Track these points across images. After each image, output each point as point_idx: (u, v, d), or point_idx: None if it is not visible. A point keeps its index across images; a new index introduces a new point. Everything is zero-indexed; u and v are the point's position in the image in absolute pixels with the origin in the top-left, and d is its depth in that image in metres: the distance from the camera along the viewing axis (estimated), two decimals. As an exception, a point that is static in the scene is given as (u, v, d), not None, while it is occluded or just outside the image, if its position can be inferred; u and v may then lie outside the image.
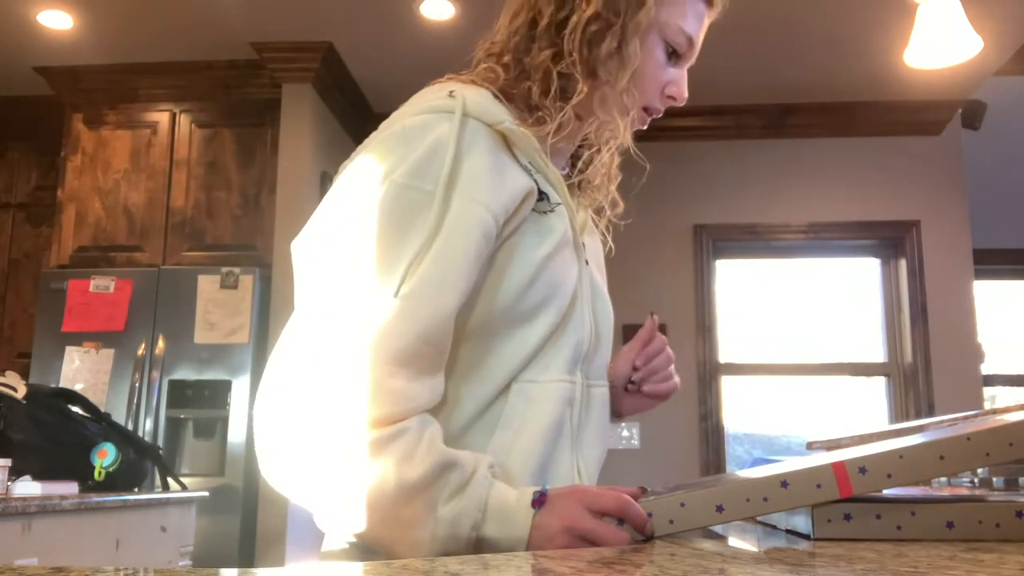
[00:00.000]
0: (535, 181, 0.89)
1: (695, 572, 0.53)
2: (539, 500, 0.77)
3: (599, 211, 1.07)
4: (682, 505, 0.74)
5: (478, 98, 0.87)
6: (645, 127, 1.01)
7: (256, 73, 4.06)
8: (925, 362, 4.29)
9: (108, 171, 4.08)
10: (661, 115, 1.00)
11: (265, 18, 3.69)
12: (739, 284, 4.63)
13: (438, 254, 0.79)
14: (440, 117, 0.84)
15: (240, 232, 3.98)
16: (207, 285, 3.72)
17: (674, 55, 0.97)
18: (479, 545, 0.76)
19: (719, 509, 0.72)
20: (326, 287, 0.80)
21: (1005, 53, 3.84)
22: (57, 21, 3.71)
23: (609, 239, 1.10)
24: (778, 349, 4.57)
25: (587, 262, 0.97)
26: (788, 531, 0.78)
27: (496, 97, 0.91)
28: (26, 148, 4.46)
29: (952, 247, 4.38)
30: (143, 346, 3.68)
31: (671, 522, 0.73)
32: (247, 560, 3.54)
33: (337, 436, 0.75)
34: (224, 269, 3.74)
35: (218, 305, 3.69)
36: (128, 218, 4.03)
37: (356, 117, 4.41)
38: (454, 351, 0.84)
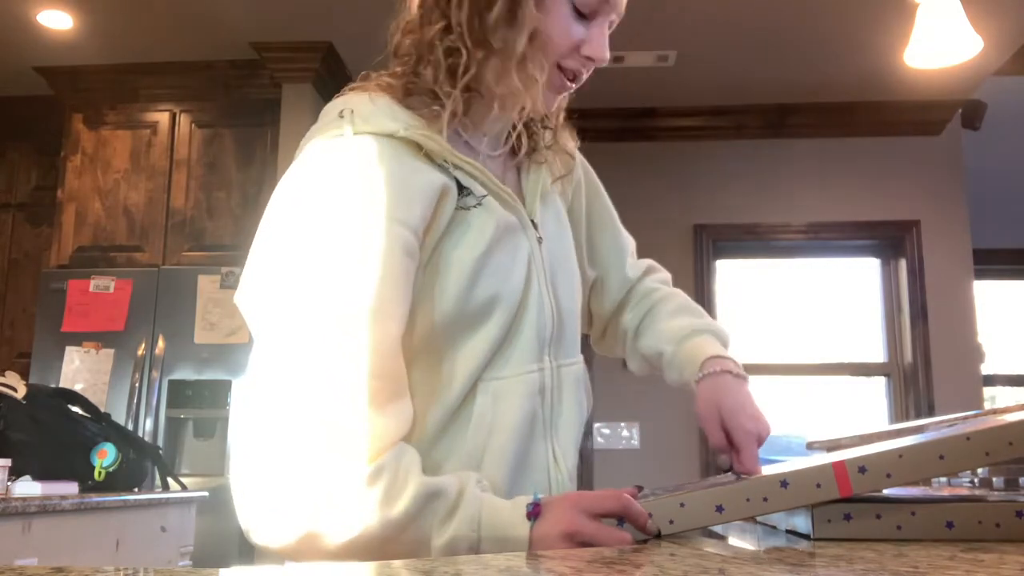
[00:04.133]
0: (455, 178, 0.86)
1: (695, 572, 0.53)
2: (533, 512, 0.76)
3: (564, 162, 1.04)
4: (682, 505, 0.74)
5: (371, 109, 0.85)
6: (568, 91, 0.93)
7: (256, 73, 4.05)
8: (925, 362, 4.28)
9: (108, 171, 4.08)
10: (583, 78, 0.92)
11: (265, 18, 3.69)
12: (739, 284, 4.63)
13: (367, 286, 0.77)
14: (334, 144, 0.83)
15: (240, 232, 3.97)
16: (207, 285, 3.72)
17: (584, 15, 0.88)
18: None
19: (719, 509, 0.72)
20: (272, 346, 0.78)
21: (1005, 53, 3.84)
22: (57, 21, 3.71)
23: (580, 173, 1.08)
24: (778, 349, 4.57)
25: (540, 239, 0.94)
26: (788, 531, 0.78)
27: (398, 99, 0.88)
28: (26, 148, 4.46)
29: (952, 247, 4.38)
30: (143, 346, 3.68)
31: (671, 522, 0.73)
32: (247, 560, 3.54)
33: (320, 490, 0.74)
34: (224, 269, 3.74)
35: (218, 305, 3.69)
36: (128, 218, 4.03)
37: (356, 117, 4.40)
38: (409, 369, 0.83)
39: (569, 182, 1.07)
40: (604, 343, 1.22)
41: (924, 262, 4.37)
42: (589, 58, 0.89)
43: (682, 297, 1.15)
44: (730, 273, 4.62)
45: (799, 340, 4.58)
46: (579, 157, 1.10)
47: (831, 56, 3.94)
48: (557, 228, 1.00)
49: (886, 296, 4.55)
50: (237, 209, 4.00)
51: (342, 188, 0.80)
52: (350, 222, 0.79)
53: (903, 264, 4.43)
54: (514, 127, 0.98)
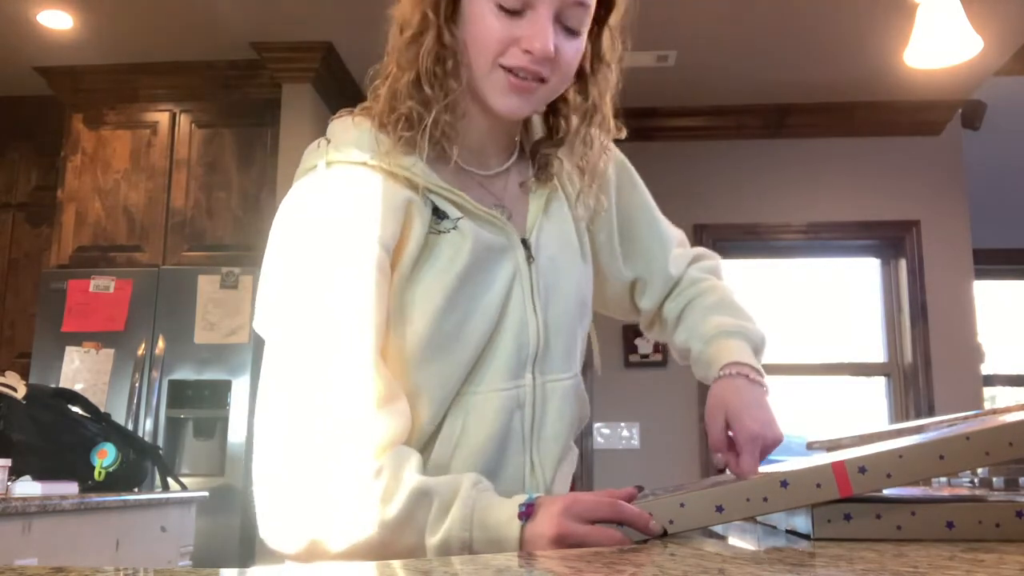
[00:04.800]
0: (431, 200, 0.89)
1: (695, 572, 0.53)
2: (526, 512, 0.76)
3: (585, 175, 1.02)
4: (682, 505, 0.74)
5: (350, 137, 0.90)
6: (528, 94, 0.90)
7: (256, 73, 4.05)
8: (925, 362, 4.28)
9: (108, 171, 4.08)
10: (543, 73, 0.88)
11: (265, 18, 3.69)
12: (739, 284, 4.62)
13: (355, 303, 0.83)
14: (314, 175, 0.88)
15: (240, 232, 3.97)
16: (207, 285, 3.72)
17: (510, 10, 0.87)
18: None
19: (719, 509, 0.72)
20: (276, 365, 0.84)
21: (1005, 53, 3.84)
22: (57, 21, 3.71)
23: (601, 199, 1.04)
24: (778, 349, 4.57)
25: (532, 259, 0.95)
26: (788, 531, 0.78)
27: (382, 125, 0.91)
28: (26, 148, 4.46)
29: (952, 247, 4.38)
30: (143, 346, 3.68)
31: (671, 522, 0.73)
32: (247, 560, 3.54)
33: (322, 496, 0.78)
34: (224, 269, 3.74)
35: (218, 305, 3.69)
36: (128, 218, 4.03)
37: (356, 117, 4.40)
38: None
39: (600, 206, 1.05)
40: (653, 332, 1.22)
41: (924, 262, 4.37)
42: (528, 51, 0.86)
43: (723, 291, 1.15)
44: (730, 273, 4.61)
45: (799, 340, 4.57)
46: (616, 153, 1.09)
47: (831, 56, 3.94)
48: (558, 248, 0.99)
49: (886, 296, 4.55)
50: (237, 209, 4.00)
51: (321, 219, 0.86)
52: (333, 248, 0.85)
53: (903, 264, 4.43)
54: (525, 151, 1.01)
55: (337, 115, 0.95)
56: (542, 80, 0.89)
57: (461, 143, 0.94)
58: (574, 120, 0.99)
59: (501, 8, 0.86)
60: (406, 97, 0.89)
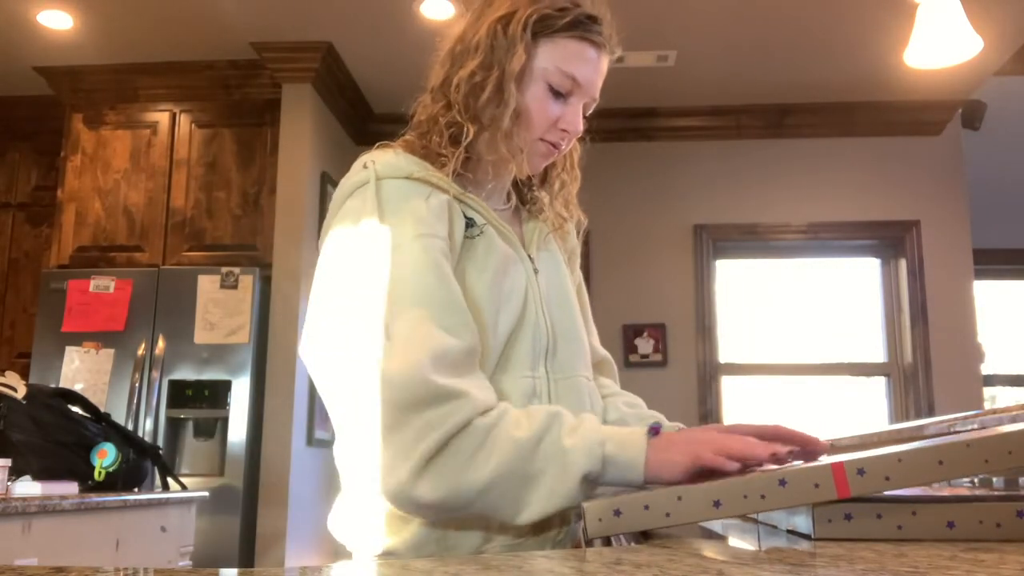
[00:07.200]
0: (461, 210, 1.03)
1: (695, 572, 0.53)
2: (655, 429, 0.87)
3: (560, 221, 1.19)
4: (679, 499, 0.74)
5: (389, 159, 1.02)
6: (552, 158, 1.11)
7: (256, 73, 4.05)
8: (925, 362, 4.28)
9: (108, 171, 4.08)
10: (565, 147, 1.09)
11: (265, 18, 3.69)
12: (739, 284, 4.63)
13: (427, 292, 0.92)
14: (364, 190, 0.99)
15: (240, 232, 3.97)
16: (207, 285, 3.72)
17: (560, 94, 1.05)
18: (607, 464, 0.85)
19: (716, 504, 0.72)
20: (356, 360, 0.90)
21: (1005, 53, 3.84)
22: (57, 21, 3.71)
23: (576, 236, 1.24)
24: (778, 349, 4.57)
25: (536, 271, 1.09)
26: (789, 531, 0.78)
27: (413, 154, 1.04)
28: (26, 148, 4.46)
29: (952, 247, 4.38)
30: (143, 346, 3.68)
31: (667, 515, 0.73)
32: (247, 560, 3.54)
33: (448, 442, 0.85)
34: (224, 269, 3.74)
35: (218, 305, 3.69)
36: (128, 218, 4.03)
37: (356, 117, 4.40)
38: None
39: (563, 237, 1.21)
40: None
41: (924, 262, 4.37)
42: (564, 130, 1.07)
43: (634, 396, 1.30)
44: (730, 273, 4.62)
45: (799, 340, 4.57)
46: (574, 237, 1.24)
47: (831, 56, 3.94)
48: (553, 268, 1.14)
49: (886, 296, 4.55)
50: (237, 209, 4.00)
51: (380, 223, 0.96)
52: (393, 246, 0.94)
53: (903, 264, 4.43)
54: (514, 190, 1.16)
55: (376, 146, 1.07)
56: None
57: (475, 180, 1.09)
58: (558, 167, 1.18)
59: (553, 91, 1.05)
60: (437, 121, 1.05)
